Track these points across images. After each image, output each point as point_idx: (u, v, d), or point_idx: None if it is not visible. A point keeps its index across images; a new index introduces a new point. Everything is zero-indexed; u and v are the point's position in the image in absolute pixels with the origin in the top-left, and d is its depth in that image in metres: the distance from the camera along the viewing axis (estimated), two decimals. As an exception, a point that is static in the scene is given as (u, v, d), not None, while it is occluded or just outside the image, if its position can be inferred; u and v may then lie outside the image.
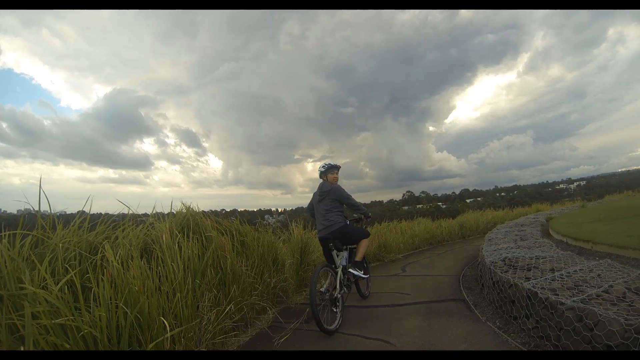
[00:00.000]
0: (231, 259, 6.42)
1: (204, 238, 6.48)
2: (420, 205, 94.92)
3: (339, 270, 6.73)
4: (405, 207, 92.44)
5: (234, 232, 7.25)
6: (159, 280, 5.01)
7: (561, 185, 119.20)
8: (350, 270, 6.96)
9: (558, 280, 5.43)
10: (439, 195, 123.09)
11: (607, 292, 4.69)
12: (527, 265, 6.56)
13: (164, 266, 5.24)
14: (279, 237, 8.92)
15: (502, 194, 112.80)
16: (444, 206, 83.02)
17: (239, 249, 7.11)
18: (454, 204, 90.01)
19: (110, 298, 4.16)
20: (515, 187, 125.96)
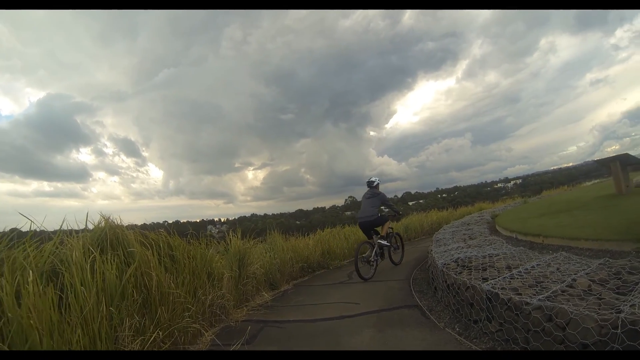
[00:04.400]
0: (158, 277, 5.74)
1: (125, 254, 5.76)
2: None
3: (376, 244, 10.37)
4: (348, 213, 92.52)
5: (162, 245, 6.57)
6: (65, 310, 4.34)
7: (499, 185, 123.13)
8: (379, 240, 10.52)
9: (517, 279, 5.14)
10: None
11: (572, 287, 4.45)
12: (482, 264, 6.27)
13: (72, 292, 4.54)
14: (216, 250, 8.28)
15: (444, 195, 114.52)
16: (386, 210, 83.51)
17: (168, 265, 6.43)
18: (397, 206, 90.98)
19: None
20: (456, 188, 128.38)
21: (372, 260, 10.09)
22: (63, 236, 5.51)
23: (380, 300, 7.55)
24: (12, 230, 5.15)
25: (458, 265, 6.66)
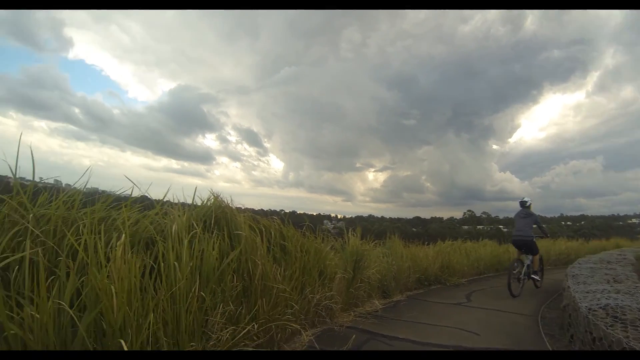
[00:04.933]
0: (263, 266, 5.12)
1: (231, 236, 5.21)
2: (481, 226, 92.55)
3: (525, 264, 10.71)
4: (466, 227, 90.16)
5: (274, 234, 5.97)
6: (154, 281, 3.87)
7: (634, 220, 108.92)
8: (532, 276, 10.94)
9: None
10: (501, 217, 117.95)
11: None
12: (634, 321, 4.88)
13: (165, 265, 4.03)
14: (331, 246, 7.53)
15: (569, 222, 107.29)
16: (505, 229, 79.97)
17: (278, 255, 5.83)
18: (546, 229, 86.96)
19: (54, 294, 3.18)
20: (583, 217, 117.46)
21: (522, 278, 10.56)
22: (168, 207, 5.08)
23: (503, 336, 6.49)
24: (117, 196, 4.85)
25: (608, 314, 5.31)
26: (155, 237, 4.30)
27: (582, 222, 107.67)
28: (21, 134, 3.81)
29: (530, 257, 10.94)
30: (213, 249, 4.56)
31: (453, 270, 12.45)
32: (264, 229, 5.76)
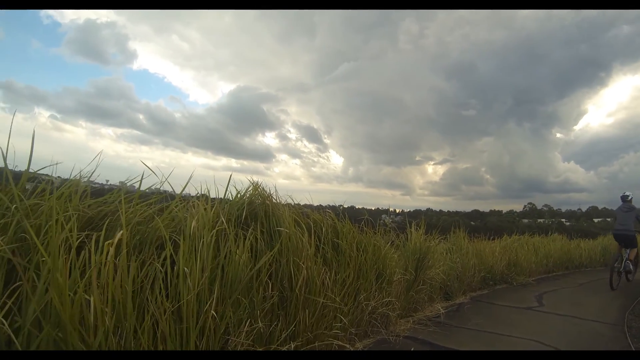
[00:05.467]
0: (309, 270, 4.22)
1: (271, 234, 4.35)
2: (542, 220, 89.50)
3: (625, 258, 10.70)
4: (526, 220, 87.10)
5: (325, 230, 5.03)
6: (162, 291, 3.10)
7: None
8: (627, 260, 10.74)
9: None
10: (563, 210, 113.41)
11: None
12: None
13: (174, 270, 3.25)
14: (391, 242, 6.59)
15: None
16: (568, 223, 77.18)
17: (329, 255, 4.90)
18: (579, 222, 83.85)
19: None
20: None
21: (622, 271, 10.77)
22: (196, 200, 4.17)
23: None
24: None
25: None
26: (171, 237, 3.44)
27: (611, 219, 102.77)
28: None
29: (628, 250, 10.88)
30: (243, 250, 3.68)
31: (520, 268, 11.38)
32: (312, 225, 4.89)
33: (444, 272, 7.68)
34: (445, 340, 5.47)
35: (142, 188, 3.92)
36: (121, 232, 2.92)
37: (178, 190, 4.47)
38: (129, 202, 3.64)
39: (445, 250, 8.76)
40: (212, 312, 3.16)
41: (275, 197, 4.84)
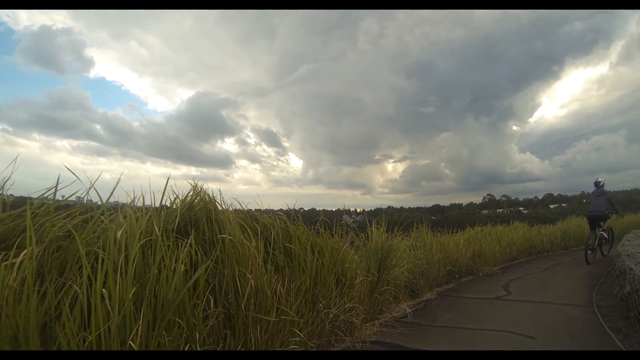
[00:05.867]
0: (258, 280, 3.79)
1: (215, 242, 3.85)
2: (501, 210, 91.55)
3: (597, 235, 12.12)
4: (485, 211, 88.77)
5: (276, 234, 4.61)
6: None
7: None
8: (601, 232, 12.22)
9: None
10: (521, 199, 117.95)
11: None
12: None
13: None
14: (351, 242, 6.23)
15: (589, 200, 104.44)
16: (526, 211, 79.43)
17: (281, 262, 4.47)
18: (537, 209, 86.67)
19: None
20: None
21: (595, 247, 12.20)
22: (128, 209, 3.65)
23: (564, 336, 5.36)
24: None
25: None
26: (93, 253, 2.98)
27: (585, 200, 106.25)
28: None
29: (602, 223, 12.37)
30: (178, 263, 3.20)
31: (485, 258, 11.27)
32: (261, 230, 4.47)
33: (408, 270, 7.36)
34: (415, 341, 5.21)
35: (72, 197, 3.50)
36: (24, 251, 2.46)
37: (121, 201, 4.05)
38: (45, 214, 3.18)
39: (408, 247, 8.45)
40: (139, 339, 2.68)
41: (220, 201, 4.41)
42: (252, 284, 3.63)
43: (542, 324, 5.90)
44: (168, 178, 4.06)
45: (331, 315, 4.75)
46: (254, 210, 5.03)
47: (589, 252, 11.73)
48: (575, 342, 5.14)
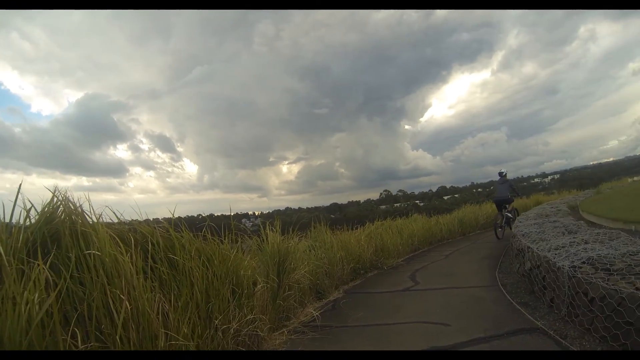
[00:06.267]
0: (136, 300, 3.27)
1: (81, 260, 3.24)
2: (398, 204, 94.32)
3: (504, 215, 14.06)
4: (383, 206, 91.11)
5: (157, 245, 4.10)
6: None
7: (536, 179, 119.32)
8: (507, 213, 14.12)
9: None
10: (416, 193, 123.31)
11: None
12: (630, 267, 4.47)
13: None
14: (246, 247, 5.95)
15: (479, 189, 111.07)
16: (422, 204, 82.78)
17: (166, 277, 3.95)
18: (432, 201, 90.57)
19: None
20: (492, 182, 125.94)
21: (503, 225, 13.88)
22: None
23: (478, 318, 5.37)
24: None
25: (596, 269, 4.66)
26: None
27: (492, 187, 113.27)
28: None
29: (507, 206, 14.45)
30: (31, 290, 2.63)
31: (388, 252, 11.30)
32: (140, 241, 3.95)
33: (310, 271, 7.06)
34: (328, 345, 5.01)
35: None
36: None
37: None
38: None
39: (307, 247, 8.22)
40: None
41: (90, 210, 3.78)
42: (128, 306, 3.09)
43: (453, 310, 5.88)
44: (20, 184, 3.39)
45: (232, 330, 4.31)
46: (143, 220, 4.52)
47: (498, 229, 13.74)
48: (487, 321, 5.17)
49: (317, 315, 6.01)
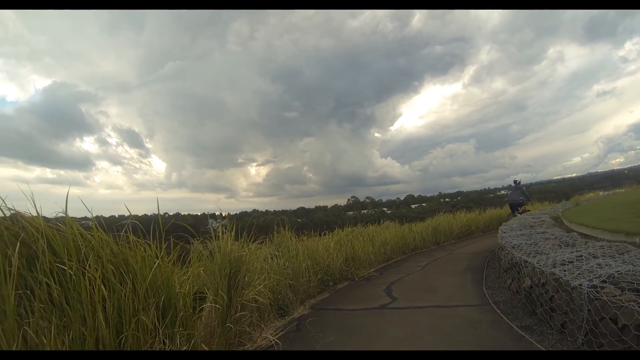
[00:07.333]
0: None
1: None
2: (365, 211, 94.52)
3: (516, 216, 16.43)
4: (351, 213, 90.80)
5: (42, 254, 2.93)
6: None
7: (502, 192, 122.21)
8: (518, 214, 16.75)
9: None
10: (384, 200, 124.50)
11: None
12: None
13: None
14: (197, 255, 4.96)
15: (447, 199, 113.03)
16: (389, 211, 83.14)
17: (57, 299, 2.82)
18: (399, 209, 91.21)
19: None
20: (459, 193, 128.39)
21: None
22: None
23: (475, 347, 4.68)
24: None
25: (622, 290, 4.03)
26: None
27: (459, 198, 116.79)
28: None
29: (519, 208, 17.39)
30: None
31: (359, 261, 10.48)
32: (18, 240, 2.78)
33: (270, 286, 5.95)
34: None
35: None
36: None
37: None
38: None
39: (268, 255, 7.10)
40: None
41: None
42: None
43: (445, 336, 5.08)
44: None
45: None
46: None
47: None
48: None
49: (273, 341, 4.95)
